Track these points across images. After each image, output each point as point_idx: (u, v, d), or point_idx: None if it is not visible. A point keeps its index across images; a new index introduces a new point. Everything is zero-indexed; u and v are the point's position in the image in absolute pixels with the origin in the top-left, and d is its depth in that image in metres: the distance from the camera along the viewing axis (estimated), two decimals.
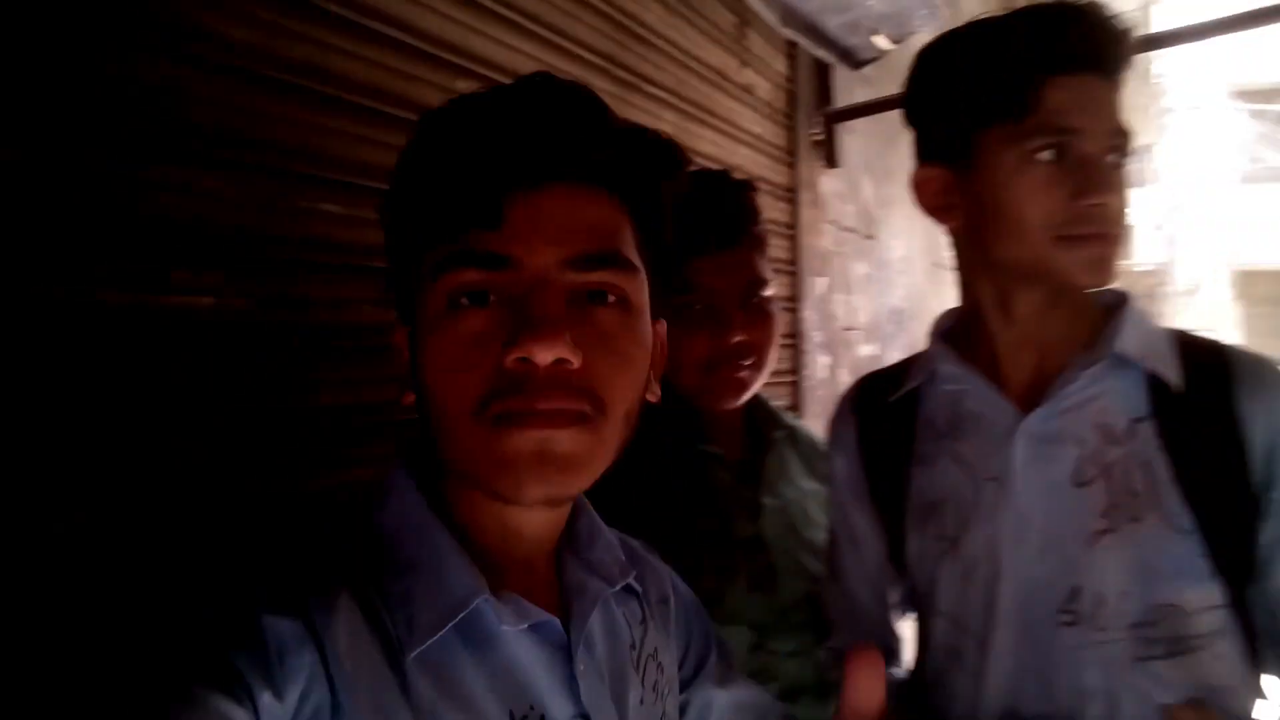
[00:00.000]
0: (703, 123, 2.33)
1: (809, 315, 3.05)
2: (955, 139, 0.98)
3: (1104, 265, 0.92)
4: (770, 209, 2.78)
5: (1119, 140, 0.92)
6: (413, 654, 0.60)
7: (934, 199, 1.03)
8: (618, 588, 0.79)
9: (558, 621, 0.69)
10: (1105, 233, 0.91)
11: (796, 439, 1.46)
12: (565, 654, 0.70)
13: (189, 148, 1.03)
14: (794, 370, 2.96)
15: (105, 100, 0.95)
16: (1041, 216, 0.92)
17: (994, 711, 0.97)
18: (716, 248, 1.23)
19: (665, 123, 2.15)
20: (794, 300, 2.96)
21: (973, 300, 1.06)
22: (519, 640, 0.67)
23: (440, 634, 0.61)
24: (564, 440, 0.63)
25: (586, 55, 1.84)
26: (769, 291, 1.28)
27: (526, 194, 0.64)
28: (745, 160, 2.59)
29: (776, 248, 2.85)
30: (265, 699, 0.51)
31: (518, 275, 0.64)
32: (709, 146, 2.36)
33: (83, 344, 0.92)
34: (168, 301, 1.00)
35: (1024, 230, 0.94)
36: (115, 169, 0.95)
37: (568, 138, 0.65)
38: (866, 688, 0.79)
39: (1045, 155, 0.91)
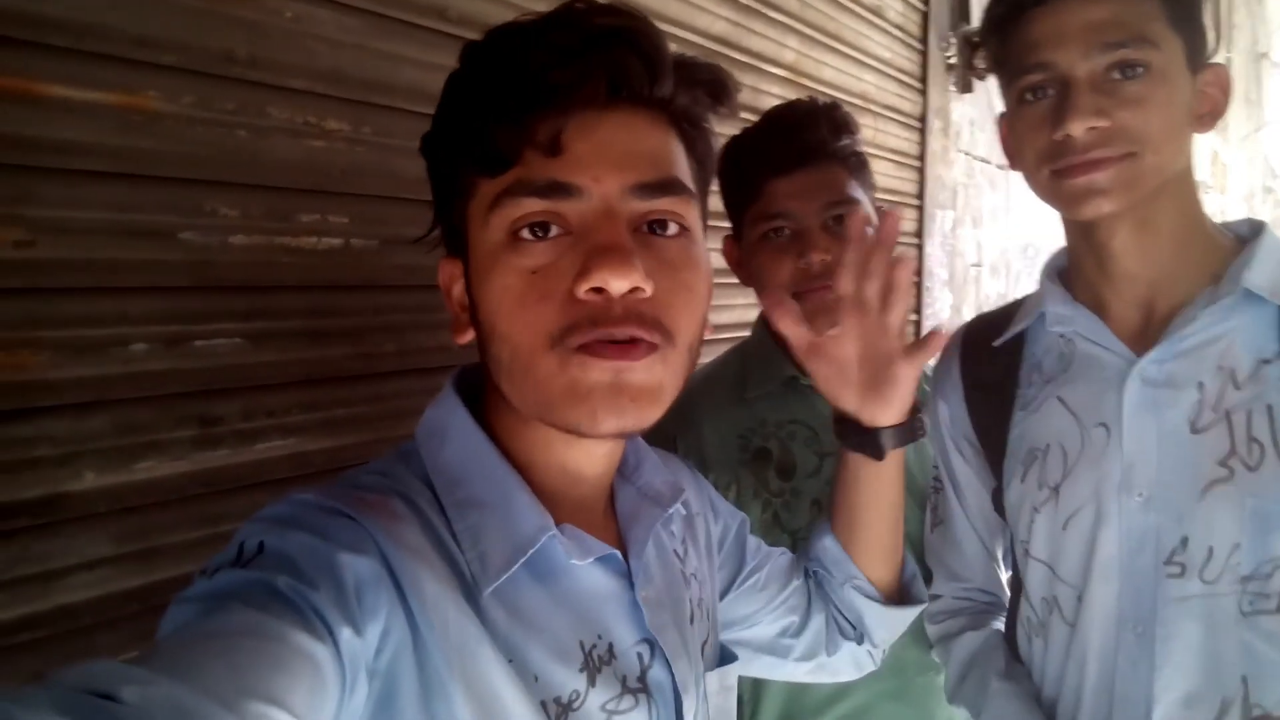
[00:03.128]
0: (827, 48, 2.23)
1: (934, 251, 2.93)
2: (1003, 89, 0.97)
3: (1094, 193, 0.87)
4: (897, 139, 2.66)
5: (1117, 55, 0.84)
6: (489, 589, 0.62)
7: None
8: (671, 511, 0.79)
9: (619, 553, 0.71)
10: (1094, 159, 0.86)
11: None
12: (627, 582, 0.72)
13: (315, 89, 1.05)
14: (916, 309, 2.86)
15: (229, 36, 0.96)
16: (1033, 156, 0.92)
17: (1093, 662, 0.95)
18: (792, 167, 1.18)
19: (788, 49, 2.06)
20: (919, 235, 2.84)
21: (1069, 239, 1.01)
22: (584, 573, 0.68)
23: (513, 570, 0.62)
24: (639, 371, 0.62)
25: None
26: (861, 212, 1.22)
27: (587, 120, 0.62)
28: (871, 87, 2.48)
29: (903, 180, 2.73)
30: (345, 634, 0.51)
31: (582, 204, 0.62)
32: (832, 73, 2.26)
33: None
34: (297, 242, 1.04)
35: (1029, 170, 0.94)
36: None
37: (628, 62, 0.62)
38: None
39: (1028, 95, 0.90)
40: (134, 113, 0.88)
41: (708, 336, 0.72)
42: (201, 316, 0.95)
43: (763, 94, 1.96)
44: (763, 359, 1.30)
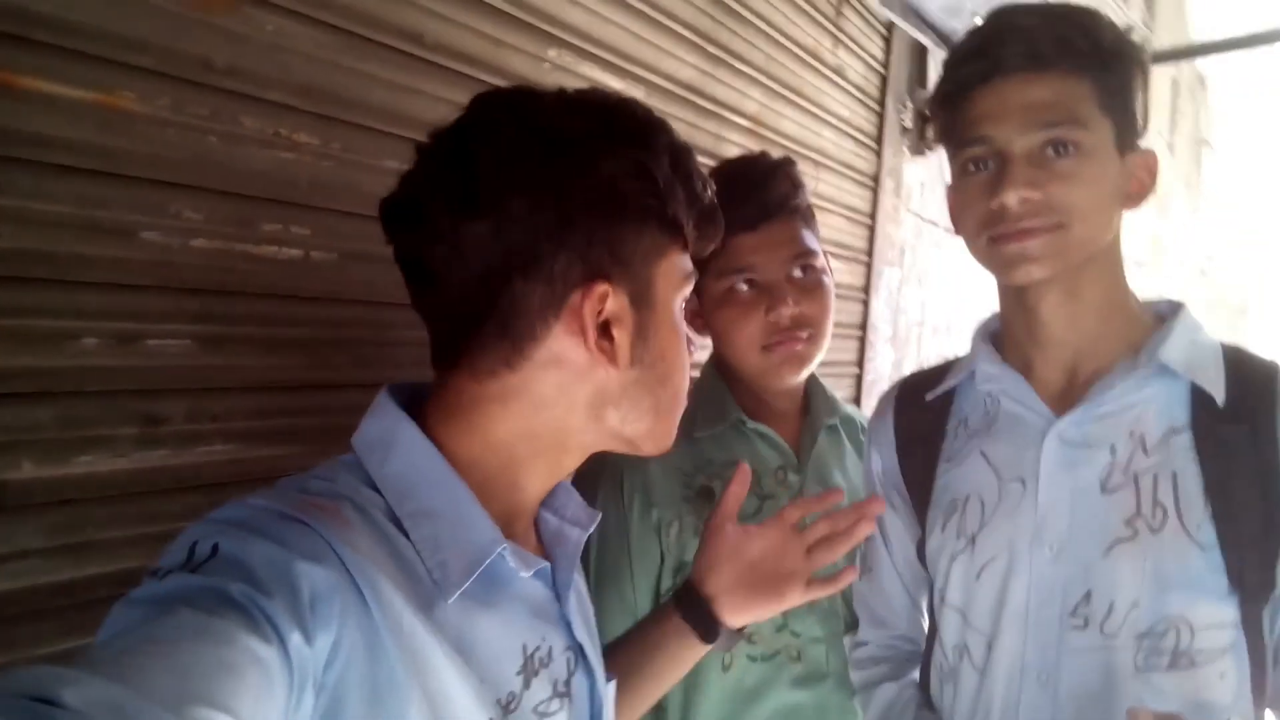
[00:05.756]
0: (789, 102, 2.31)
1: (879, 307, 3.02)
2: (949, 159, 1.03)
3: (1025, 259, 0.93)
4: (850, 195, 2.74)
5: (1051, 134, 0.91)
6: (452, 597, 0.65)
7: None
8: (591, 531, 0.84)
9: (549, 567, 0.77)
10: (1026, 228, 0.92)
11: (853, 428, 1.45)
12: (554, 594, 0.78)
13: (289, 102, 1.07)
14: (858, 363, 2.93)
15: (210, 44, 0.98)
16: (973, 223, 0.97)
17: (998, 708, 0.99)
18: (755, 223, 1.22)
19: (751, 100, 2.13)
20: (865, 291, 2.92)
21: (1002, 303, 1.08)
22: (523, 584, 0.74)
23: (471, 579, 0.66)
24: None
25: (679, 29, 1.83)
26: (819, 263, 1.27)
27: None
28: (829, 144, 2.56)
29: (853, 235, 2.81)
30: (295, 640, 0.52)
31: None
32: (793, 127, 2.33)
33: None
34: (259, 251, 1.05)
35: (969, 236, 1.00)
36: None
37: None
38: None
39: (971, 166, 0.96)
40: (108, 111, 0.90)
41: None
42: (155, 316, 0.95)
43: (725, 141, 2.02)
44: (712, 400, 1.33)
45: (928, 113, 1.04)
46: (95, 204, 0.89)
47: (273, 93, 1.04)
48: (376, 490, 0.68)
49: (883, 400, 1.24)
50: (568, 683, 0.75)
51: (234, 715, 0.45)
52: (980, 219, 0.95)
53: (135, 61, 0.91)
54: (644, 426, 0.77)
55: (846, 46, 2.62)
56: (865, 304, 2.93)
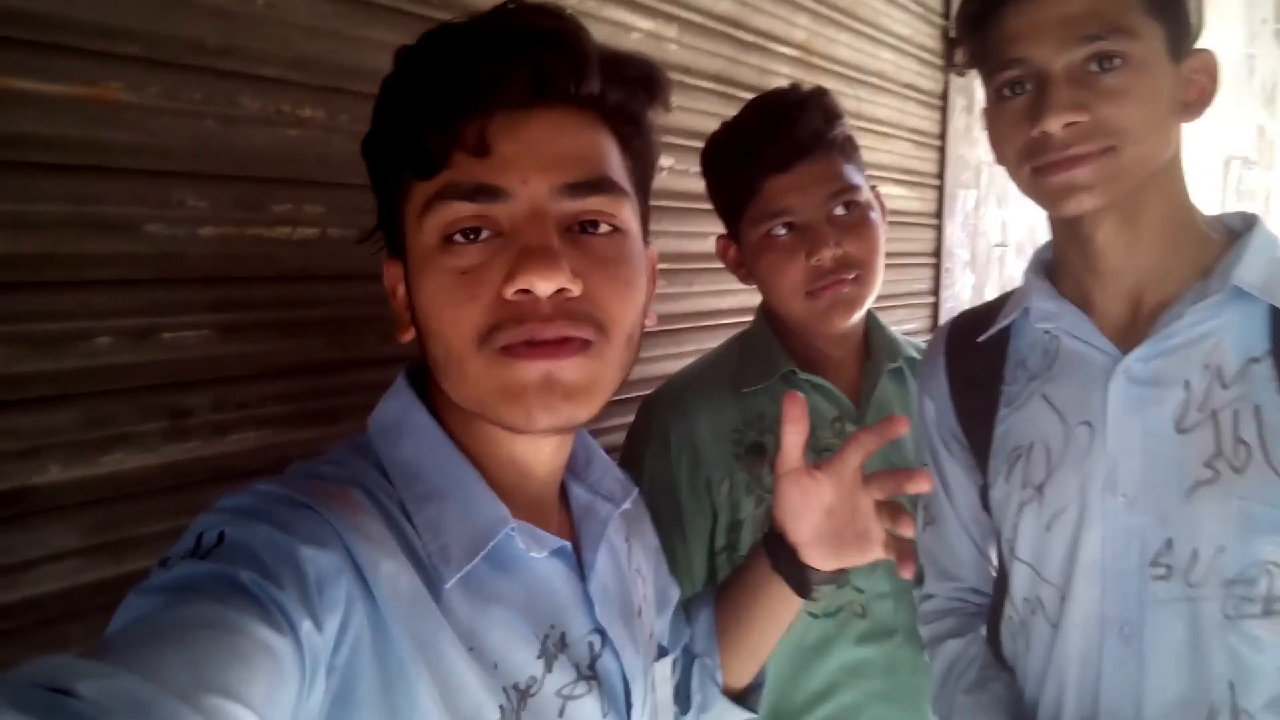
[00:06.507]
0: (841, 26, 2.18)
1: (954, 231, 2.87)
2: (983, 84, 0.94)
3: (1075, 189, 0.84)
4: (916, 118, 2.60)
5: (1094, 48, 0.81)
6: (452, 580, 0.63)
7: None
8: (624, 507, 0.81)
9: (570, 546, 0.73)
10: (1073, 155, 0.83)
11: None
12: (578, 574, 0.74)
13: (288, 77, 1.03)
14: (934, 291, 2.81)
15: (199, 25, 0.95)
16: (1013, 153, 0.88)
17: (1075, 663, 0.93)
18: (790, 162, 1.14)
19: (798, 28, 2.01)
20: (938, 216, 2.78)
21: (1054, 233, 0.98)
22: (539, 564, 0.70)
23: (474, 562, 0.64)
24: (569, 369, 0.63)
25: None
26: (863, 197, 1.19)
27: (512, 120, 0.63)
28: (889, 65, 2.42)
29: (921, 160, 2.67)
30: (306, 628, 0.52)
31: (511, 206, 0.63)
32: (847, 52, 2.20)
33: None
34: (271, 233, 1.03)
35: (1010, 166, 0.91)
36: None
37: (549, 59, 0.63)
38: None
39: (1006, 91, 0.87)
40: (97, 105, 0.88)
41: (652, 326, 0.75)
42: (170, 309, 0.94)
43: (771, 74, 1.92)
44: (761, 351, 1.27)
45: (953, 35, 0.94)
46: (92, 200, 0.88)
47: (271, 69, 1.01)
48: (385, 473, 0.68)
49: (932, 343, 1.16)
50: (592, 666, 0.72)
51: (248, 705, 0.45)
52: (1022, 149, 0.87)
53: (121, 50, 0.89)
54: (453, 394, 0.67)
55: None
56: (938, 230, 2.79)
